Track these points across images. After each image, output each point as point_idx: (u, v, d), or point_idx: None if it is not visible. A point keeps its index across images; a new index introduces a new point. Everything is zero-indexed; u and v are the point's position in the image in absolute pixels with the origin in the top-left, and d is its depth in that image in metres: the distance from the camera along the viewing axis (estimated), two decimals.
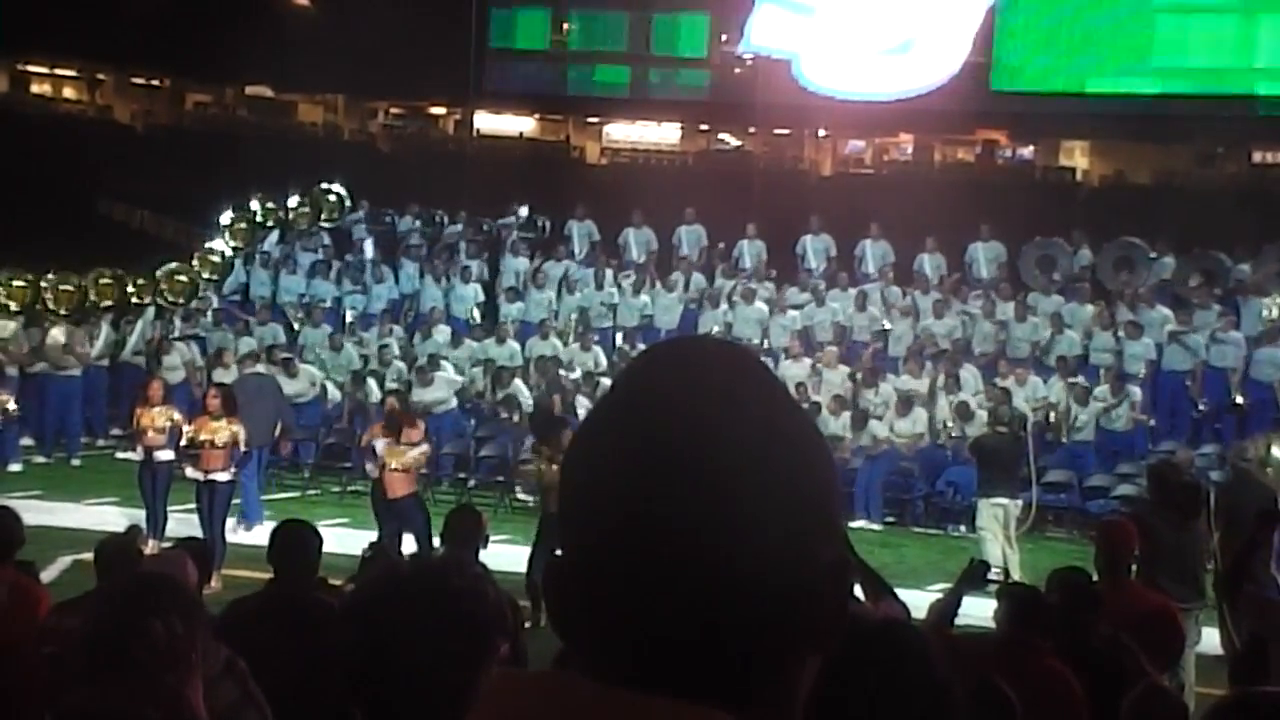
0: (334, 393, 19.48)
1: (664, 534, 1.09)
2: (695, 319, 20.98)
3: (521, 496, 16.91)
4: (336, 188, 23.76)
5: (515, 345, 20.20)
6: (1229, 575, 6.64)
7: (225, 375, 18.80)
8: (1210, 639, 9.46)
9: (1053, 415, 17.81)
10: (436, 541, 7.96)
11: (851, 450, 17.47)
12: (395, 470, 12.55)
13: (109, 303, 20.67)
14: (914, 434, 17.94)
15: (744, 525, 1.10)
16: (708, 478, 1.10)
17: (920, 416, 17.97)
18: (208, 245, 22.51)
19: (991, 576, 6.68)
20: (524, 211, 23.79)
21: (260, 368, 17.53)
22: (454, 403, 19.12)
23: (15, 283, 20.08)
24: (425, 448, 13.14)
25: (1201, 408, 18.65)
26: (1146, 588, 7.43)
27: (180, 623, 2.98)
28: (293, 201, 23.57)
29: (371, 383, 19.15)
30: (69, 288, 20.37)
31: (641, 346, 17.61)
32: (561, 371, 19.05)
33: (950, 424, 17.72)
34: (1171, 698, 5.06)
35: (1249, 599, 6.63)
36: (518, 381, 19.08)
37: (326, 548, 6.23)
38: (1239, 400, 18.42)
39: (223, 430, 12.97)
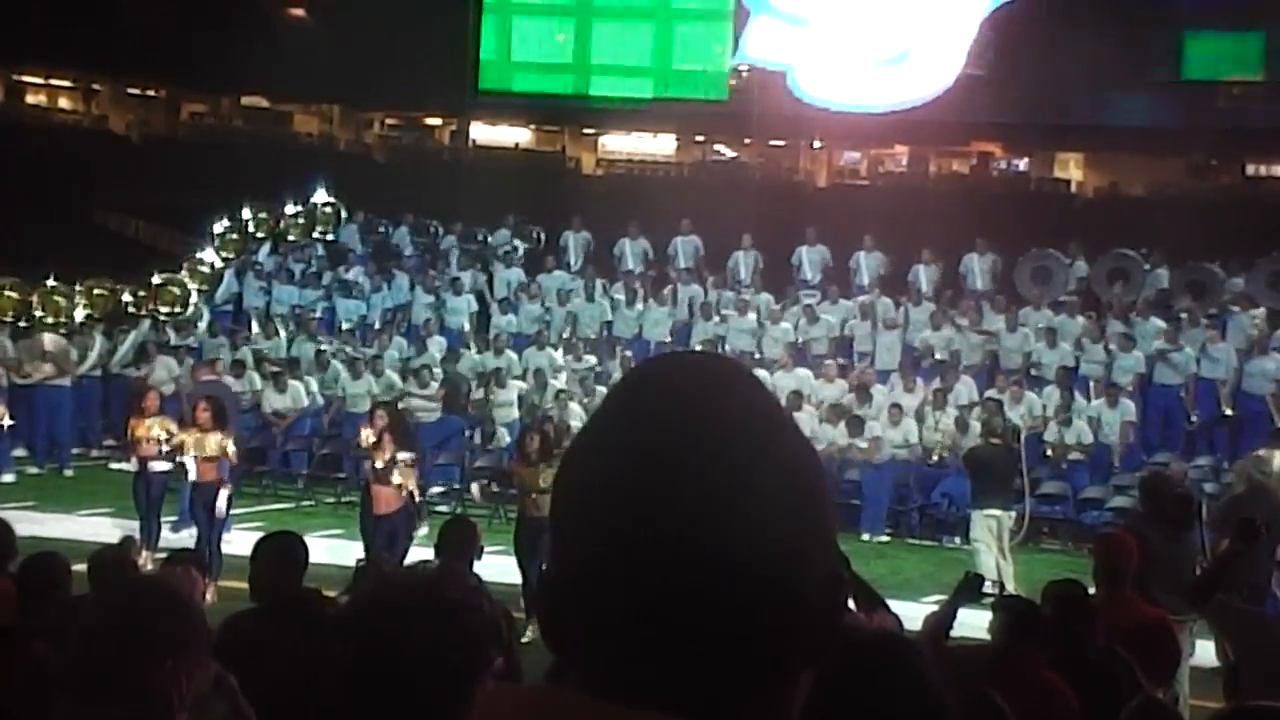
0: (321, 402, 19.53)
1: (658, 546, 1.09)
2: (689, 330, 20.99)
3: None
4: (331, 199, 23.79)
5: (512, 356, 20.22)
6: (1201, 584, 6.62)
7: (218, 389, 18.84)
8: (1206, 651, 9.45)
9: (1047, 432, 17.79)
10: (430, 553, 7.94)
11: (848, 460, 17.47)
12: (396, 485, 12.48)
13: (101, 313, 20.67)
14: (905, 445, 17.92)
15: (740, 536, 1.10)
16: (702, 491, 1.10)
17: (910, 428, 17.96)
18: (200, 255, 22.52)
19: (987, 589, 6.66)
20: (505, 233, 23.78)
21: (214, 376, 17.56)
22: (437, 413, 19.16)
23: (7, 293, 20.08)
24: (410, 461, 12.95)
25: (1194, 419, 18.67)
26: (1143, 600, 7.43)
27: (174, 635, 2.97)
28: (287, 212, 23.58)
29: (371, 379, 19.15)
30: (60, 298, 20.37)
31: (634, 358, 17.75)
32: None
33: (943, 440, 17.70)
34: (1168, 711, 5.05)
35: (1217, 608, 6.63)
36: (514, 383, 19.13)
37: (322, 559, 6.23)
38: (1228, 411, 18.45)
39: (212, 442, 12.94)
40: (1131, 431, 18.00)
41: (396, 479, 12.40)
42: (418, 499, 12.88)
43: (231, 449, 13.13)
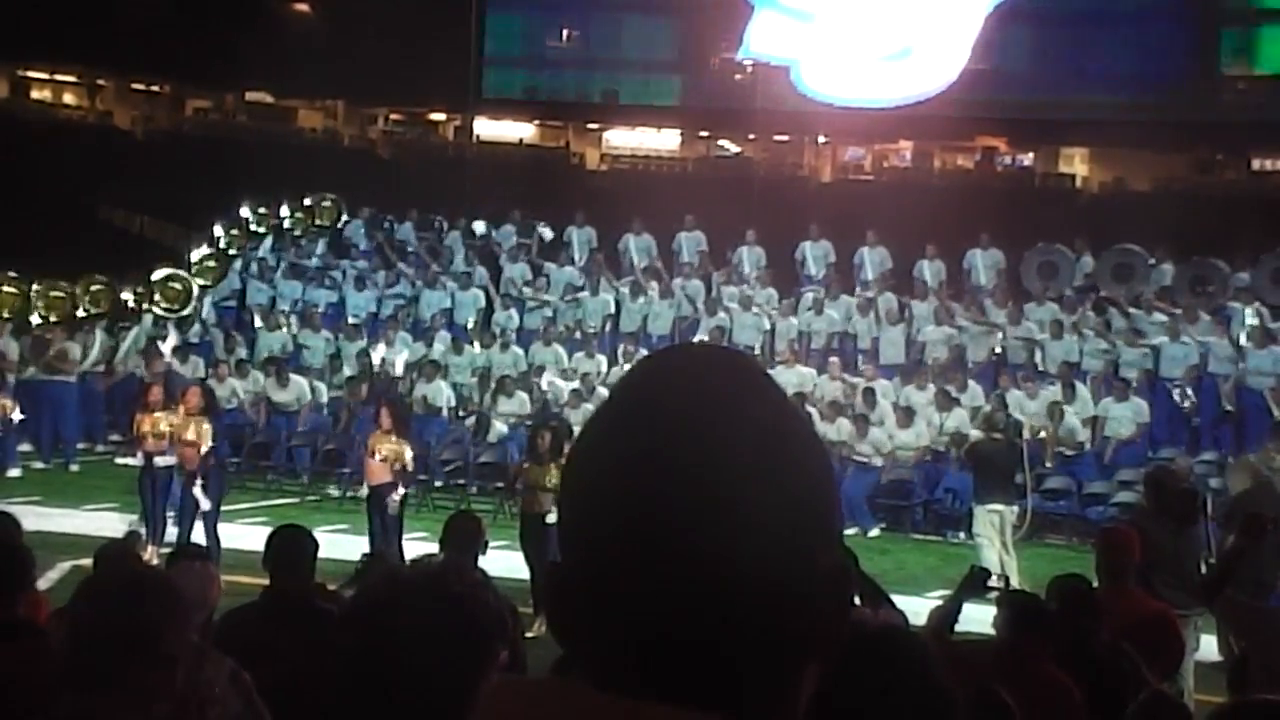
0: (326, 398, 19.57)
1: (664, 539, 1.09)
2: (695, 325, 20.99)
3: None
4: (332, 195, 23.81)
5: (519, 351, 20.24)
6: (1211, 580, 6.62)
7: (220, 389, 18.91)
8: (1210, 645, 9.45)
9: (1045, 431, 17.75)
10: (435, 547, 7.95)
11: (848, 458, 17.47)
12: (381, 459, 12.74)
13: (101, 309, 20.68)
14: (918, 445, 17.92)
15: (744, 531, 1.10)
16: (708, 483, 1.10)
17: (922, 428, 17.96)
18: (203, 251, 22.54)
19: (991, 584, 6.66)
20: (509, 227, 23.75)
21: (175, 364, 17.53)
22: (450, 399, 19.18)
23: (6, 288, 20.09)
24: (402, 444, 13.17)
25: (1186, 408, 18.62)
26: (1147, 595, 7.43)
27: (171, 624, 2.97)
28: (289, 208, 23.60)
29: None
30: (59, 294, 20.37)
31: (641, 352, 17.74)
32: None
33: (947, 438, 17.70)
34: (1176, 705, 5.05)
35: (1226, 604, 6.63)
36: (521, 394, 19.13)
37: (325, 554, 6.22)
38: (1229, 407, 18.42)
39: (193, 427, 13.13)
40: (1143, 430, 17.97)
41: (384, 453, 12.72)
42: (408, 467, 13.09)
43: (208, 433, 13.24)
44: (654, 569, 1.09)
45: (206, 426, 13.10)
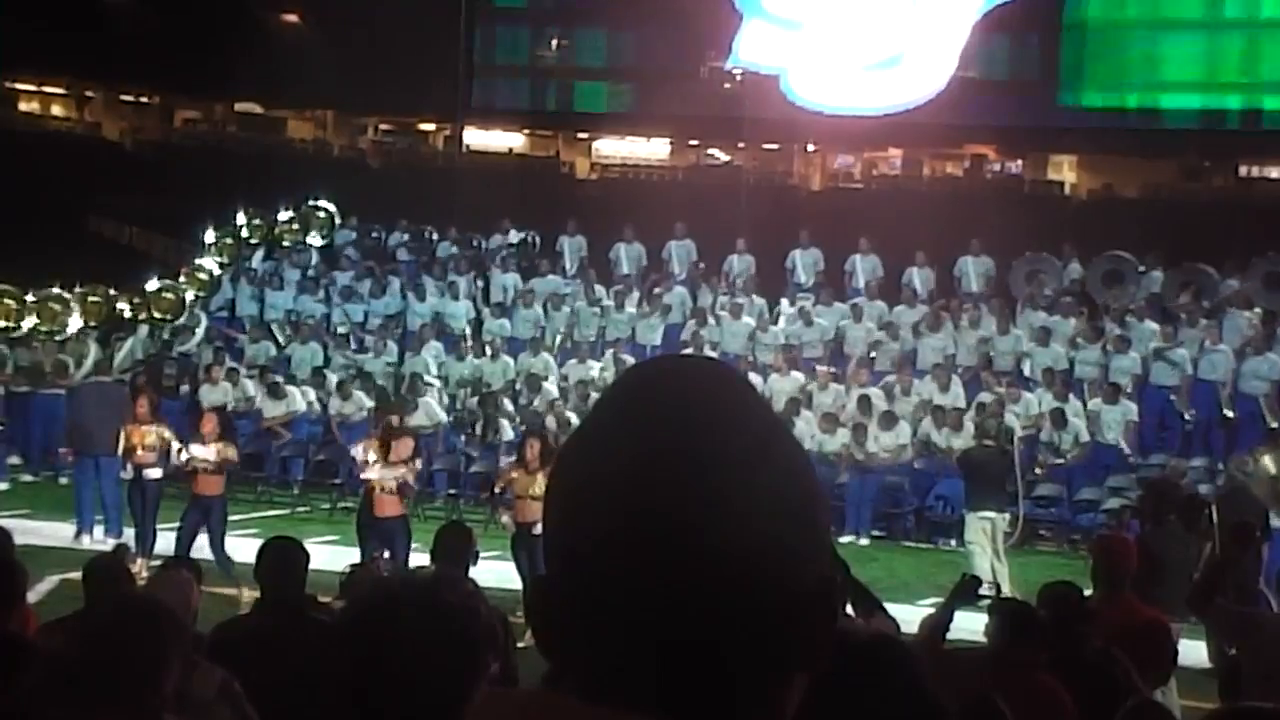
0: (318, 408, 19.54)
1: (652, 549, 1.09)
2: (683, 334, 20.97)
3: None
4: (325, 204, 23.78)
5: (508, 360, 20.22)
6: (1200, 589, 6.64)
7: (213, 393, 18.84)
8: (1194, 652, 9.43)
9: (1044, 433, 17.76)
10: (426, 558, 7.94)
11: (846, 467, 17.47)
12: (386, 492, 12.54)
13: (95, 321, 20.62)
14: (898, 446, 17.91)
15: (736, 539, 1.09)
16: (698, 493, 1.09)
17: (904, 430, 17.96)
18: (196, 262, 22.50)
19: (983, 591, 6.67)
20: (513, 236, 23.71)
21: (105, 378, 17.34)
22: (442, 419, 19.10)
23: (3, 301, 20.02)
24: (416, 465, 13.10)
25: (1188, 419, 18.67)
26: (1141, 602, 7.42)
27: (162, 646, 2.96)
28: (281, 218, 23.57)
29: (360, 395, 19.14)
30: (55, 305, 20.32)
31: (629, 360, 17.71)
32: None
33: (937, 440, 17.69)
34: (1164, 712, 5.05)
35: (1220, 613, 6.64)
36: (504, 401, 19.12)
37: (316, 565, 6.22)
38: (1229, 414, 18.45)
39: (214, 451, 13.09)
40: (1132, 431, 18.00)
41: (391, 480, 12.48)
42: (413, 483, 13.01)
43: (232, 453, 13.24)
44: (643, 575, 1.09)
45: (231, 451, 13.14)
